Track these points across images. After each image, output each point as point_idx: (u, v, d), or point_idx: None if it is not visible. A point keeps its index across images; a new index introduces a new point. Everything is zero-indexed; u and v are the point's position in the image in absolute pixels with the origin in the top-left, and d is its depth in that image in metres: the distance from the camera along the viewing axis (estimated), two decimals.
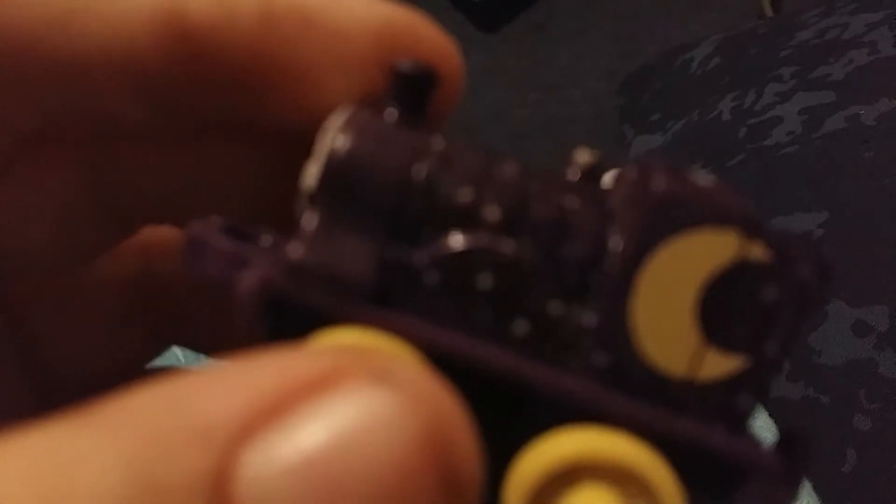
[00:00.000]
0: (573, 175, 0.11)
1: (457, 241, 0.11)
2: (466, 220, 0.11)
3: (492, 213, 0.11)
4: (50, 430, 0.08)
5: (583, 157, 0.12)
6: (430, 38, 0.12)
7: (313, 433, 0.08)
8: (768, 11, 1.14)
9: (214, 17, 0.11)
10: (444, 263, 0.10)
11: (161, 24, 0.11)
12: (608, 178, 0.12)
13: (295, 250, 0.10)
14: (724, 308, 0.10)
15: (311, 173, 0.11)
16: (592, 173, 0.12)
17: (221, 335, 0.16)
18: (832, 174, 0.49)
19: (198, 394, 0.08)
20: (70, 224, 0.13)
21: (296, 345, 0.10)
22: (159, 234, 0.15)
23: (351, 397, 0.08)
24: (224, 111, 0.12)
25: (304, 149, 0.12)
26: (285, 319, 0.10)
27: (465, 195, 0.11)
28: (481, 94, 1.20)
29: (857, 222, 0.46)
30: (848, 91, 0.51)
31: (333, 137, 0.11)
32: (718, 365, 0.11)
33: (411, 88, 0.11)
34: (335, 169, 0.11)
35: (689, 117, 0.62)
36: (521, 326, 0.11)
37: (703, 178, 0.11)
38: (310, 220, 0.11)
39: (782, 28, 0.61)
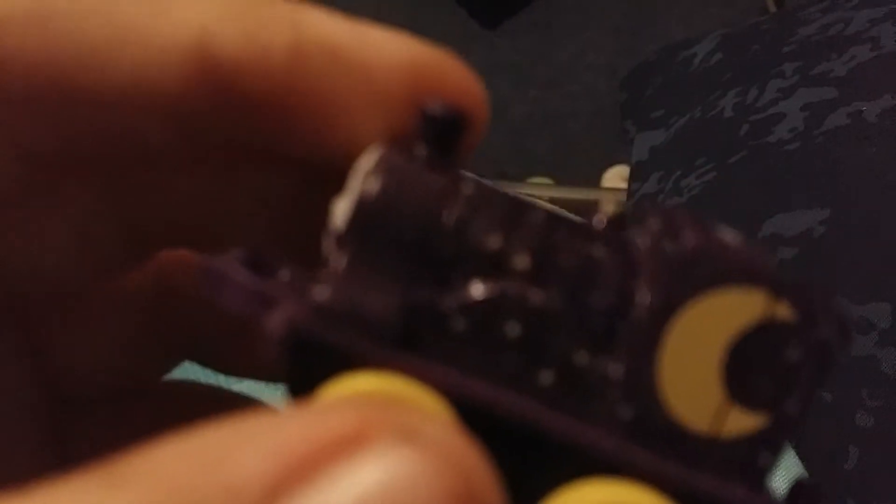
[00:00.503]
0: (599, 223, 0.12)
1: (486, 288, 0.11)
2: (495, 266, 0.11)
3: (521, 261, 0.11)
4: (76, 485, 0.08)
5: (609, 205, 0.12)
6: (458, 78, 0.12)
7: (341, 495, 0.08)
8: (771, 6, 1.13)
9: (245, 52, 0.11)
10: (472, 310, 0.11)
11: (192, 58, 0.11)
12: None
13: (322, 292, 0.10)
14: (748, 366, 0.11)
15: (341, 214, 0.11)
16: (618, 222, 0.12)
17: (234, 353, 0.16)
18: (834, 171, 0.49)
19: (227, 452, 0.08)
20: (89, 245, 0.13)
21: (321, 394, 0.10)
22: (176, 253, 0.15)
23: (377, 458, 0.08)
24: (251, 141, 0.12)
25: (328, 180, 0.12)
26: (310, 358, 0.10)
27: (494, 241, 0.11)
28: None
29: (859, 219, 0.46)
30: (850, 87, 0.51)
31: (364, 180, 0.11)
32: (741, 422, 0.11)
33: (440, 131, 0.11)
34: (366, 212, 0.11)
35: (691, 114, 0.61)
36: (546, 376, 0.11)
37: (729, 234, 0.11)
38: (338, 260, 0.11)
39: (784, 24, 0.61)
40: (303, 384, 0.10)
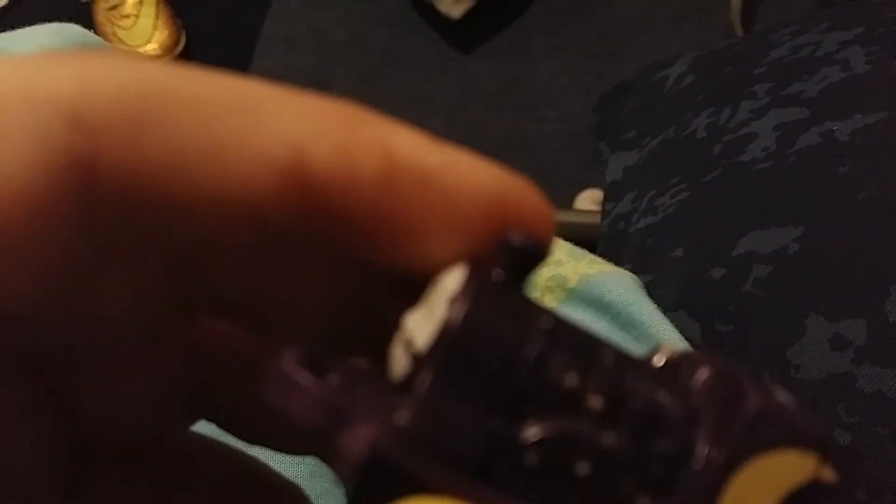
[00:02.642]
0: (658, 361, 0.12)
1: (561, 425, 0.11)
2: (570, 404, 0.11)
3: (595, 401, 0.11)
4: None
5: (666, 350, 0.12)
6: (536, 210, 0.13)
7: None
8: (739, 32, 1.15)
9: (337, 171, 0.12)
10: (545, 446, 0.11)
11: (284, 173, 0.11)
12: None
13: (402, 415, 0.10)
14: None
15: (421, 332, 0.11)
16: (674, 364, 0.12)
17: (255, 423, 0.16)
18: (807, 189, 0.49)
19: None
20: (137, 315, 0.13)
21: None
22: (214, 322, 0.15)
23: None
24: (330, 249, 0.13)
25: (392, 284, 0.13)
26: (382, 479, 0.10)
27: (571, 380, 0.11)
28: (459, 112, 1.20)
29: (832, 236, 0.46)
30: (822, 107, 0.52)
31: (450, 306, 0.11)
32: None
33: (519, 260, 0.12)
34: (450, 338, 0.11)
35: (664, 134, 0.62)
36: None
37: (784, 395, 0.12)
38: (416, 381, 0.11)
39: (755, 46, 0.62)
40: (369, 501, 0.10)
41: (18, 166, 0.11)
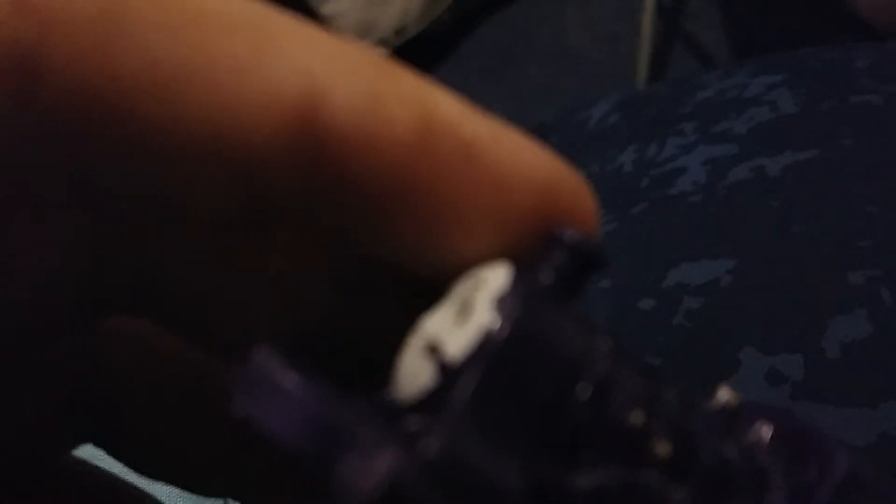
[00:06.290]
0: (718, 405, 0.11)
1: (624, 474, 0.09)
2: (635, 448, 0.09)
3: (663, 447, 0.09)
4: None
5: (725, 395, 0.11)
6: (588, 207, 0.11)
7: None
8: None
9: (361, 120, 0.09)
10: (603, 498, 0.09)
11: (295, 113, 0.09)
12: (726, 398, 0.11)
13: (430, 442, 0.08)
14: None
15: (453, 339, 0.09)
16: (735, 414, 0.11)
17: (153, 452, 0.13)
18: (739, 222, 0.48)
19: None
20: (47, 303, 0.10)
21: None
22: (120, 321, 0.12)
23: None
24: (333, 233, 0.10)
25: (392, 285, 0.10)
26: None
27: (637, 418, 0.09)
28: None
29: (766, 269, 0.45)
30: (751, 144, 0.51)
31: (496, 310, 0.09)
32: None
33: (573, 262, 0.10)
34: (496, 349, 0.09)
35: (588, 169, 0.60)
36: None
37: (853, 456, 0.11)
38: (452, 402, 0.09)
39: (680, 89, 0.62)
40: None
41: None
